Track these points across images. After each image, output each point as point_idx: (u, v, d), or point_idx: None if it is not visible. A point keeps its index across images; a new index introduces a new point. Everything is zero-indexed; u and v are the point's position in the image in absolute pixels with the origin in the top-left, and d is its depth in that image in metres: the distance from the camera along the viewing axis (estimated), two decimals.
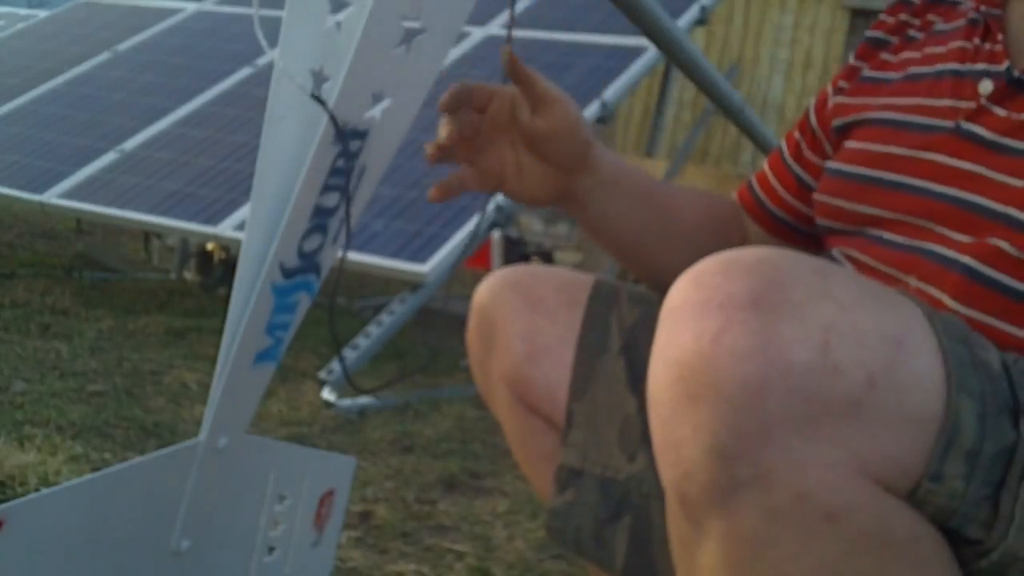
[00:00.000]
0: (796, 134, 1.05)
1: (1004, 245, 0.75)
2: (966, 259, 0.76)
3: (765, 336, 0.55)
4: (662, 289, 1.04)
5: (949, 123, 0.83)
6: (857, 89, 0.97)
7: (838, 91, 1.00)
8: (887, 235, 0.84)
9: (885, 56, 0.97)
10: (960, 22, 0.91)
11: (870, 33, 1.00)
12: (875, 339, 0.57)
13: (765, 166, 1.08)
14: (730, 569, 0.59)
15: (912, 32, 0.97)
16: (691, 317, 0.58)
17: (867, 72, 0.97)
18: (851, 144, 0.92)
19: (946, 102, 0.85)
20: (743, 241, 1.08)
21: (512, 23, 1.01)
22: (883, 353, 0.57)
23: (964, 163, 0.80)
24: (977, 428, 0.58)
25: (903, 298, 0.63)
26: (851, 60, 1.01)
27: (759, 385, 0.55)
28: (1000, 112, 0.80)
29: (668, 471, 0.60)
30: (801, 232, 1.04)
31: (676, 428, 0.58)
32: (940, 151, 0.82)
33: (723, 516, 0.58)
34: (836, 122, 0.97)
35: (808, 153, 1.03)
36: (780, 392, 0.55)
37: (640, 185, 1.00)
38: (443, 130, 0.94)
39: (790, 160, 1.05)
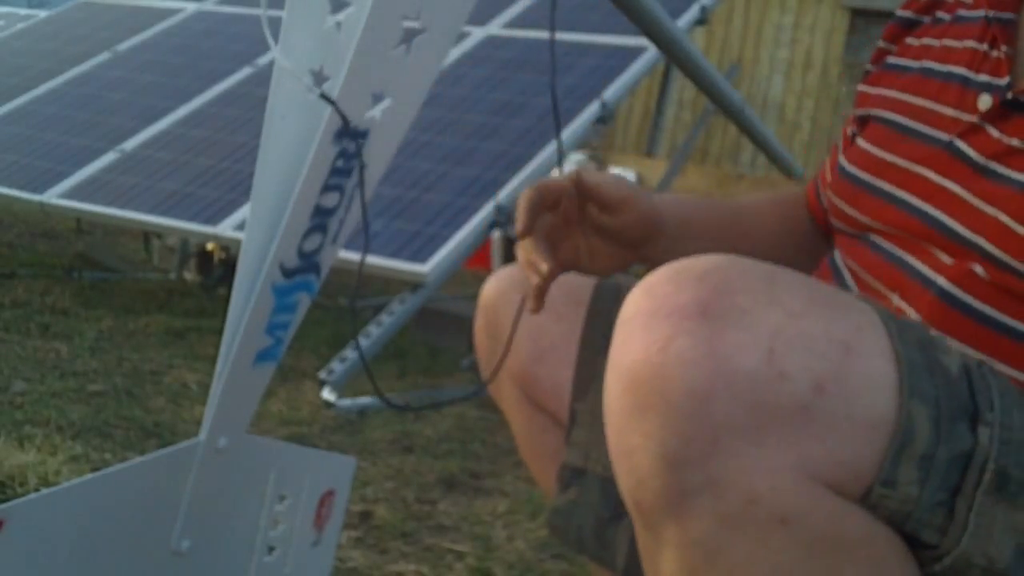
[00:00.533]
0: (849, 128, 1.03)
1: (979, 270, 0.74)
2: (941, 281, 0.76)
3: (711, 344, 0.56)
4: None
5: (945, 137, 0.82)
6: (879, 77, 0.95)
7: (866, 76, 0.98)
8: (883, 243, 0.84)
9: (910, 40, 0.94)
10: (980, 13, 0.87)
11: (900, 12, 0.97)
12: (823, 344, 0.57)
13: (826, 162, 1.05)
14: (686, 575, 0.59)
15: (940, 13, 0.93)
16: (641, 327, 0.58)
17: (891, 59, 0.95)
18: (860, 142, 0.91)
19: (949, 112, 0.83)
20: (817, 241, 1.04)
21: (553, 29, 1.01)
22: (831, 358, 0.57)
23: (950, 183, 0.79)
24: (931, 433, 0.58)
25: (859, 303, 0.63)
26: (880, 43, 0.98)
27: (706, 393, 0.55)
28: (993, 132, 0.78)
29: (623, 480, 0.60)
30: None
31: (628, 437, 0.58)
32: (932, 167, 0.81)
33: (677, 523, 0.58)
34: (859, 112, 0.96)
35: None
36: (727, 399, 0.55)
37: (711, 221, 0.99)
38: (536, 266, 0.88)
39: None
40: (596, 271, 0.95)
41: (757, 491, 0.56)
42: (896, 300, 0.80)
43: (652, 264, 0.97)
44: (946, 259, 0.77)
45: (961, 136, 0.80)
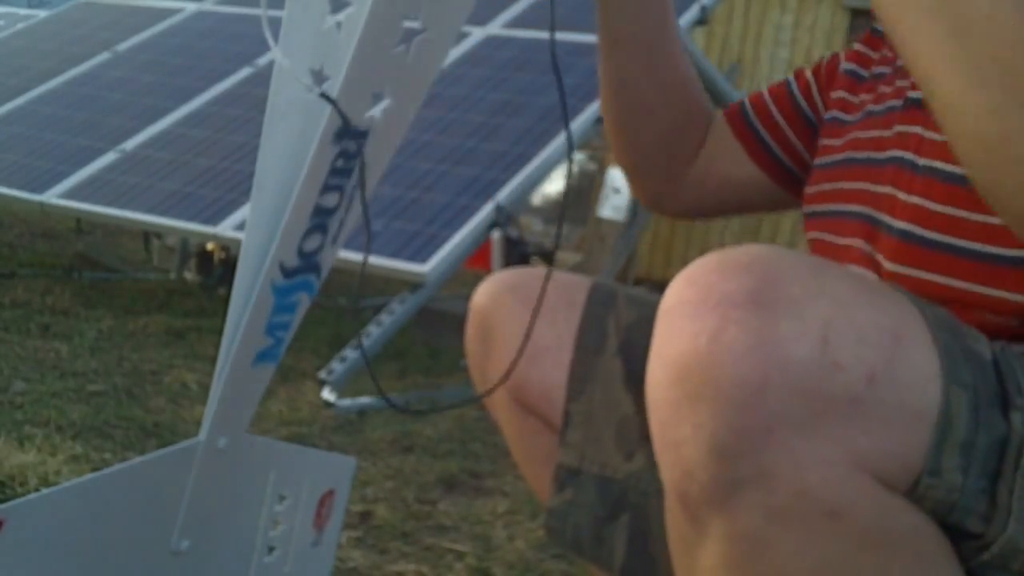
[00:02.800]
0: (808, 75, 1.06)
1: (929, 204, 0.78)
2: (899, 223, 0.80)
3: (763, 334, 0.55)
4: (616, 110, 1.06)
5: (899, 101, 0.88)
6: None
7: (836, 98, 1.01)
8: (846, 207, 0.88)
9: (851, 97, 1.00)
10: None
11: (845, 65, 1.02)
12: (874, 335, 0.57)
13: (764, 91, 1.09)
14: (731, 569, 0.59)
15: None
16: (688, 316, 0.57)
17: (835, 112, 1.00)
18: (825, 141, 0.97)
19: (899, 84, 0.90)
20: (696, 140, 1.08)
21: (553, 24, 1.03)
22: (882, 348, 0.57)
23: (911, 127, 0.85)
24: (970, 420, 0.58)
25: (896, 293, 0.63)
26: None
27: (759, 383, 0.55)
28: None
29: (669, 471, 0.60)
30: (779, 162, 1.05)
31: (676, 428, 0.57)
32: (897, 122, 0.87)
33: (724, 515, 0.57)
34: (826, 115, 1.00)
35: (816, 96, 1.04)
36: (780, 390, 0.55)
37: (663, 14, 1.01)
38: None
39: (797, 92, 1.06)
40: None
41: (808, 484, 0.55)
42: (861, 246, 0.84)
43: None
44: (906, 198, 0.81)
45: (913, 88, 0.86)
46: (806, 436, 0.55)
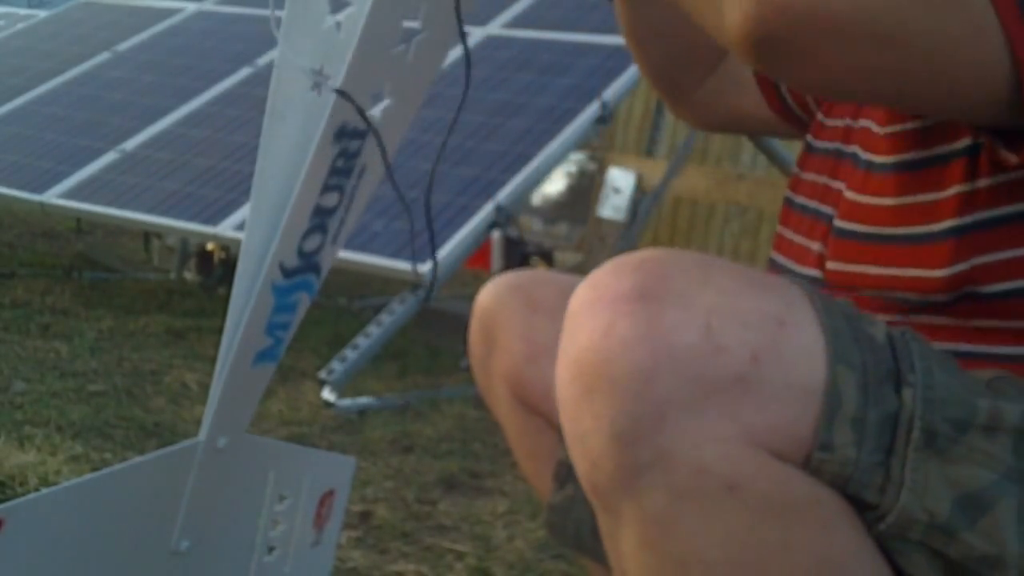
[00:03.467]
0: None
1: (851, 195, 0.81)
2: (836, 221, 0.82)
3: (651, 324, 0.59)
4: (638, 25, 1.05)
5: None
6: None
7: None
8: (801, 200, 0.90)
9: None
10: None
11: None
12: (756, 319, 0.60)
13: None
14: (646, 550, 0.61)
15: None
16: (585, 316, 0.61)
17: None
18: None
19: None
20: (710, 63, 1.07)
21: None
22: (765, 331, 0.60)
23: (842, 120, 0.88)
24: (859, 396, 0.61)
25: (786, 283, 0.66)
26: None
27: (649, 370, 0.58)
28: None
29: (579, 465, 0.62)
30: (781, 98, 1.04)
31: (580, 422, 0.61)
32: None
33: (632, 500, 0.60)
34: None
35: None
36: (669, 375, 0.58)
37: None
38: None
39: None
40: None
41: (705, 461, 0.58)
42: (816, 247, 0.85)
43: None
44: (850, 195, 0.82)
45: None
46: (698, 416, 0.58)
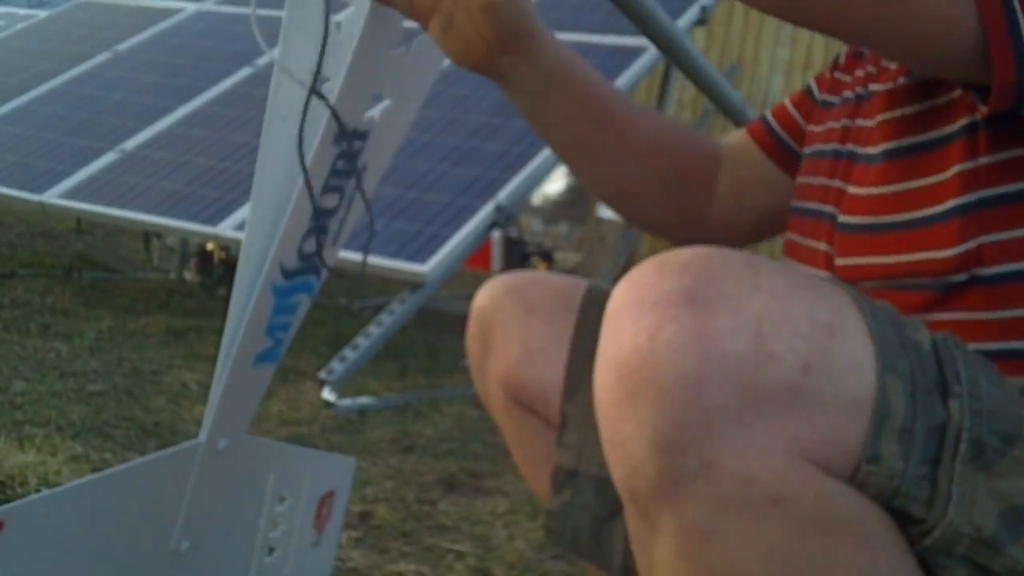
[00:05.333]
0: (826, 74, 1.04)
1: (853, 190, 0.80)
2: (839, 216, 0.82)
3: (699, 329, 0.57)
4: (605, 196, 1.04)
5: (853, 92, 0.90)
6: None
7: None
8: (807, 204, 0.89)
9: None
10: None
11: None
12: (807, 326, 0.58)
13: (786, 102, 1.06)
14: (684, 561, 0.60)
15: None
16: (628, 318, 0.59)
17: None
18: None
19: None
20: (705, 187, 1.04)
21: None
22: (816, 339, 0.58)
23: (838, 122, 0.87)
24: (907, 406, 0.59)
25: (832, 286, 0.64)
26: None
27: (696, 377, 0.56)
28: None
29: (617, 470, 0.61)
30: (799, 157, 1.01)
31: (621, 427, 0.59)
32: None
33: (672, 509, 0.58)
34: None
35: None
36: (717, 382, 0.56)
37: (588, 88, 0.97)
38: None
39: (817, 96, 1.03)
40: (441, 44, 0.94)
41: (750, 472, 0.57)
42: (822, 247, 0.85)
43: (505, 88, 0.97)
44: (853, 190, 0.82)
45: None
46: (745, 426, 0.56)
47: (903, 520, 0.61)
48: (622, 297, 0.61)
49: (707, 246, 0.62)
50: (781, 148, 1.03)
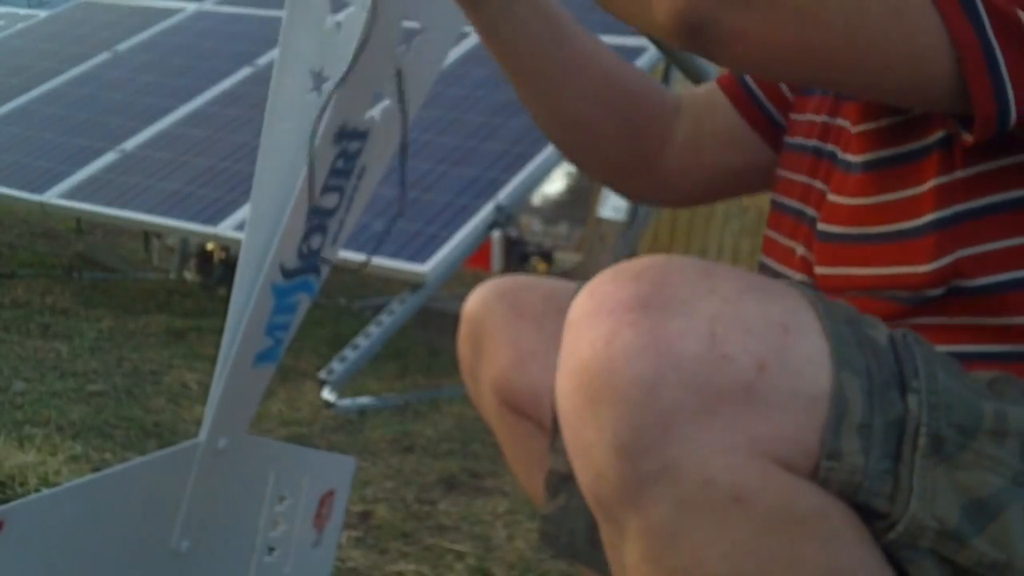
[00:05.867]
0: None
1: (832, 197, 0.80)
2: (818, 223, 0.81)
3: (654, 333, 0.58)
4: (559, 127, 0.99)
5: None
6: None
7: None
8: (785, 200, 0.89)
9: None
10: None
11: None
12: (761, 326, 0.59)
13: None
14: (650, 563, 0.61)
15: None
16: (585, 326, 0.60)
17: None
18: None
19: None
20: (661, 133, 1.00)
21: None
22: (770, 339, 0.59)
23: (819, 116, 0.86)
24: (864, 402, 0.60)
25: (787, 288, 0.65)
26: None
27: (653, 380, 0.57)
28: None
29: (582, 476, 0.61)
30: (776, 124, 0.98)
31: (582, 433, 0.60)
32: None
33: (636, 512, 0.59)
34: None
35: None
36: (674, 385, 0.57)
37: (553, 8, 0.95)
38: None
39: None
40: None
41: (711, 472, 0.57)
42: (800, 250, 0.84)
43: (482, 27, 0.93)
44: (831, 197, 0.81)
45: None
46: (704, 427, 0.57)
47: (867, 515, 0.61)
48: (580, 307, 0.62)
49: (664, 256, 0.63)
50: (754, 106, 0.98)
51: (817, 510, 0.60)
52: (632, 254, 4.49)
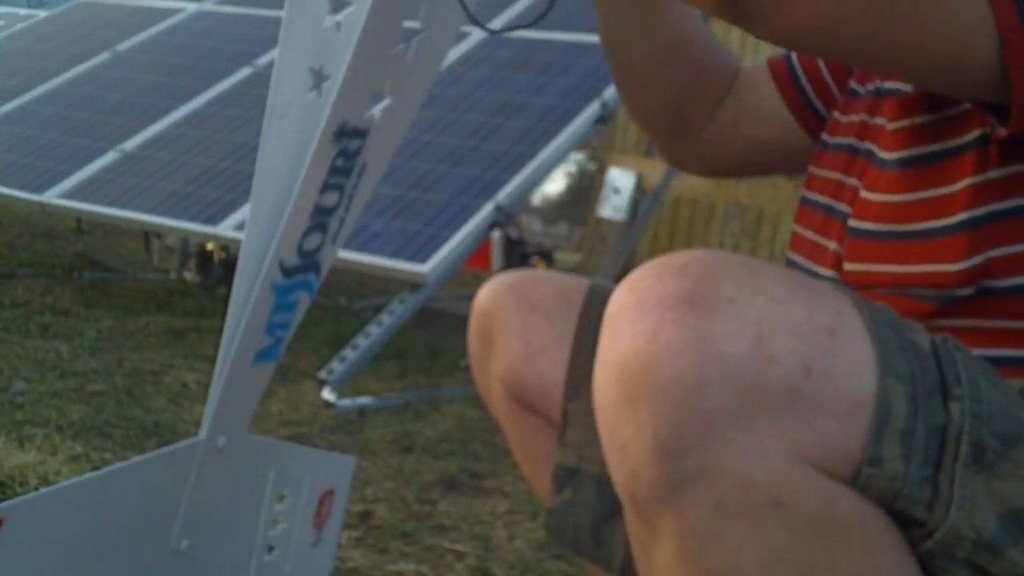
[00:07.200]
0: None
1: (865, 193, 0.80)
2: (851, 219, 0.81)
3: (699, 332, 0.57)
4: (623, 62, 1.02)
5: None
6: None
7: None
8: (816, 197, 0.89)
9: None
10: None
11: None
12: (808, 329, 0.58)
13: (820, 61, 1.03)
14: (685, 565, 0.60)
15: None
16: (627, 321, 0.59)
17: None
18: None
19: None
20: (710, 103, 1.03)
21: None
22: (817, 342, 0.58)
23: (858, 115, 0.86)
24: (908, 409, 0.59)
25: (832, 289, 0.64)
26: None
27: (696, 380, 0.56)
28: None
29: (617, 473, 0.61)
30: (815, 113, 1.00)
31: (620, 429, 0.59)
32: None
33: (673, 512, 0.58)
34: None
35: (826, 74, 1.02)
36: (717, 385, 0.56)
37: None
38: None
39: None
40: None
41: (751, 476, 0.56)
42: (834, 246, 0.84)
43: None
44: (863, 194, 0.81)
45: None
46: (746, 429, 0.56)
47: (904, 523, 0.61)
48: (621, 301, 0.61)
49: (707, 250, 0.62)
50: (798, 94, 1.01)
51: (857, 517, 0.59)
52: (632, 254, 4.49)
